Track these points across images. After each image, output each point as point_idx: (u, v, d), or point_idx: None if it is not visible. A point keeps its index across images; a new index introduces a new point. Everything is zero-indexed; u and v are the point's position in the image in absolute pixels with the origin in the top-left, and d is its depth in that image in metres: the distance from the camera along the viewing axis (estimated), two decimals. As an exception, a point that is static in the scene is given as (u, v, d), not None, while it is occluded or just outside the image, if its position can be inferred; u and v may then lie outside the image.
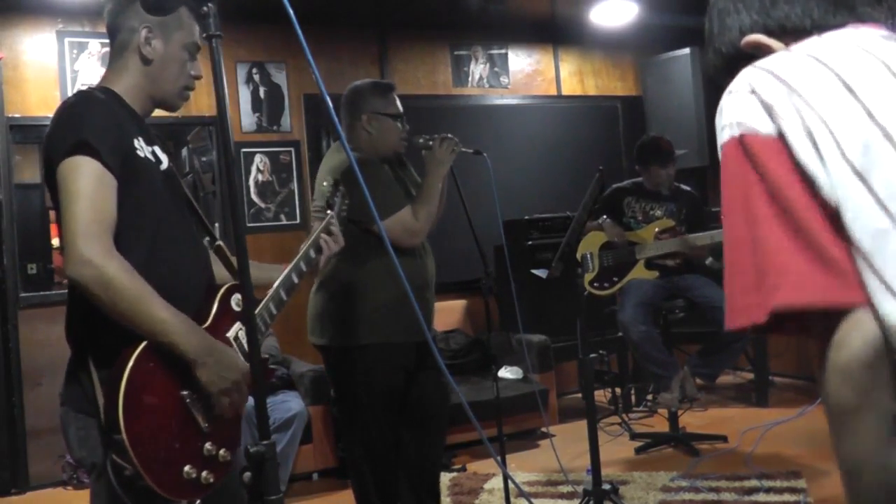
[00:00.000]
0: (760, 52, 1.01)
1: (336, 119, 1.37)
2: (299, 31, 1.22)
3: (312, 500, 3.92)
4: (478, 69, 5.73)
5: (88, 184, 1.55)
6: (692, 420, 4.46)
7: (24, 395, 4.32)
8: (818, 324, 0.80)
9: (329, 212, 2.14)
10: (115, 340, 1.55)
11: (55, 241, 6.38)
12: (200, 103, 4.77)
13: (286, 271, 1.92)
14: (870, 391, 0.77)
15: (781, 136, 0.83)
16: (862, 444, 0.78)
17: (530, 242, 5.00)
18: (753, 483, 3.45)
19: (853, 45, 0.88)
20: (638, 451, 4.15)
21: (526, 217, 5.09)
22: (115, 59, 1.78)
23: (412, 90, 5.38)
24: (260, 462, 1.25)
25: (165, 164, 1.77)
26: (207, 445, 1.61)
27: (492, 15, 5.29)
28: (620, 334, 4.47)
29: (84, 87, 1.74)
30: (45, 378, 4.28)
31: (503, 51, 5.82)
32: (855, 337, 0.77)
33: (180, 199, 1.81)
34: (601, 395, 5.05)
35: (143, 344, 1.54)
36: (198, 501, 1.61)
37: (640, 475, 3.73)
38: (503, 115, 5.72)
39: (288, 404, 3.94)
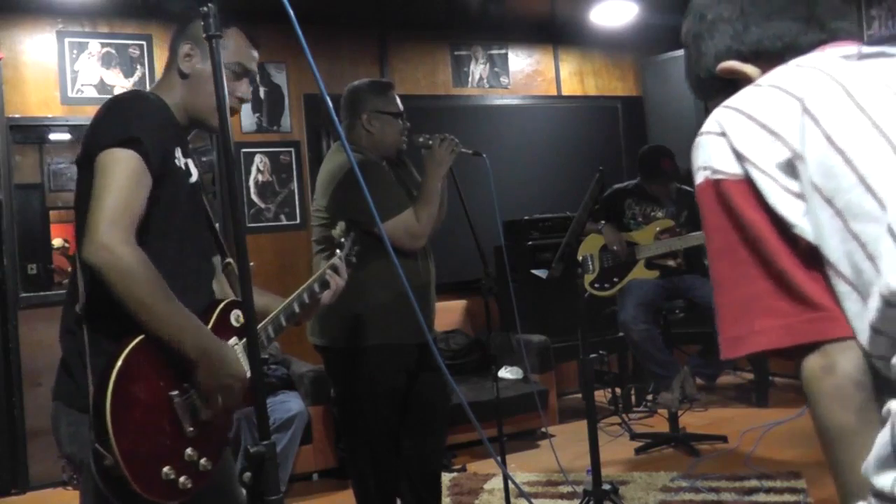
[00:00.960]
0: (737, 77, 1.02)
1: (336, 119, 1.37)
2: (299, 32, 1.22)
3: (312, 501, 3.92)
4: (478, 69, 5.73)
5: (125, 176, 1.57)
6: (692, 420, 4.46)
7: (24, 395, 4.32)
8: (801, 353, 0.83)
9: (338, 251, 2.14)
10: (114, 333, 1.56)
11: (55, 242, 6.38)
12: (200, 103, 4.77)
13: (288, 300, 1.92)
14: (865, 410, 0.79)
15: (749, 179, 0.85)
16: (862, 462, 0.78)
17: (530, 243, 5.00)
18: (753, 483, 3.45)
19: (815, 70, 0.89)
20: (638, 451, 4.14)
21: (526, 217, 5.09)
22: (165, 73, 1.85)
23: (412, 90, 5.37)
24: (260, 462, 1.25)
25: (195, 178, 1.80)
26: (189, 451, 1.60)
27: (492, 15, 5.29)
28: (620, 334, 4.47)
29: (136, 89, 1.78)
30: (45, 378, 4.27)
31: (503, 51, 5.81)
32: (844, 361, 0.80)
33: (200, 214, 1.84)
34: (601, 396, 5.05)
35: (141, 337, 1.54)
36: None
37: (640, 475, 3.73)
38: (503, 115, 5.72)
39: (288, 404, 3.94)
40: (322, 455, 4.11)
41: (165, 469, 1.54)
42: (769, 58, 1.00)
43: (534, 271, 3.48)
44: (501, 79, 5.80)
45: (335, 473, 4.11)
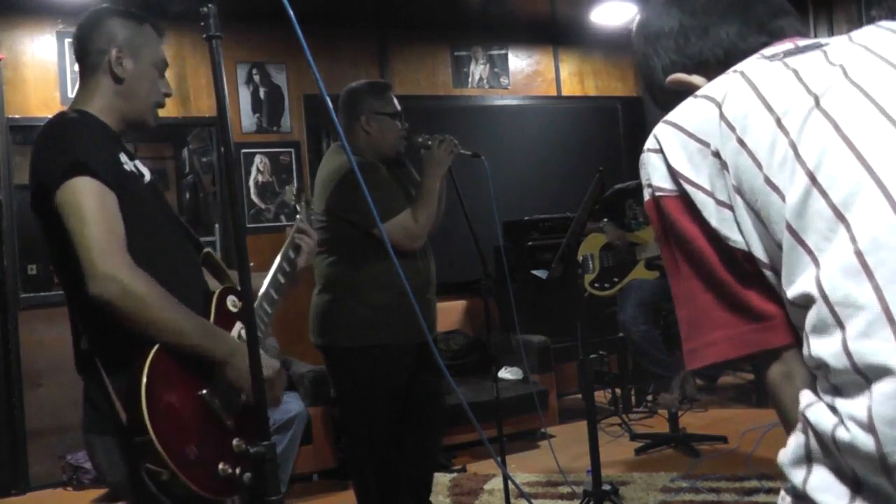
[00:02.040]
0: (685, 88, 1.02)
1: (336, 120, 1.37)
2: (299, 32, 1.21)
3: (312, 501, 3.92)
4: (478, 70, 5.73)
5: (94, 203, 1.55)
6: (692, 421, 4.46)
7: (24, 395, 4.32)
8: (760, 360, 0.84)
9: (297, 216, 2.18)
10: (125, 349, 1.55)
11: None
12: (200, 104, 4.78)
13: (271, 274, 1.95)
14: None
15: (684, 194, 0.85)
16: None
17: (530, 243, 5.00)
18: (753, 484, 3.44)
19: (735, 73, 0.89)
20: (638, 451, 4.14)
21: (526, 218, 5.08)
22: (85, 81, 1.78)
23: (412, 91, 5.37)
24: (260, 463, 1.25)
25: (148, 177, 1.79)
26: (235, 441, 1.61)
27: (492, 15, 5.29)
28: (621, 335, 4.47)
29: (58, 113, 1.75)
30: (45, 379, 4.27)
31: (503, 51, 5.81)
32: (800, 367, 0.81)
33: (167, 211, 1.83)
34: (601, 396, 5.05)
35: (156, 347, 1.54)
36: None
37: (640, 476, 3.73)
38: (503, 115, 5.72)
39: (288, 405, 3.93)
40: (322, 455, 4.11)
41: (221, 466, 1.55)
42: (712, 67, 1.00)
43: (534, 272, 3.48)
44: (501, 79, 5.80)
45: (335, 474, 4.11)
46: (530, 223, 5.08)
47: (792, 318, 0.79)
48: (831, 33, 5.38)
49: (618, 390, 4.97)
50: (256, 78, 5.01)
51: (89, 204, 1.54)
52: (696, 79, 1.03)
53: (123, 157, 1.70)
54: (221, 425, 1.62)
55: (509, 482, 2.92)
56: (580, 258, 3.41)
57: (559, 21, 5.73)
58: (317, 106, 5.10)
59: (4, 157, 4.37)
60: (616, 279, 4.29)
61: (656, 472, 3.75)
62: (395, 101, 2.79)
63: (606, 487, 3.00)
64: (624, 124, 6.11)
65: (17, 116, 4.41)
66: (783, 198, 0.77)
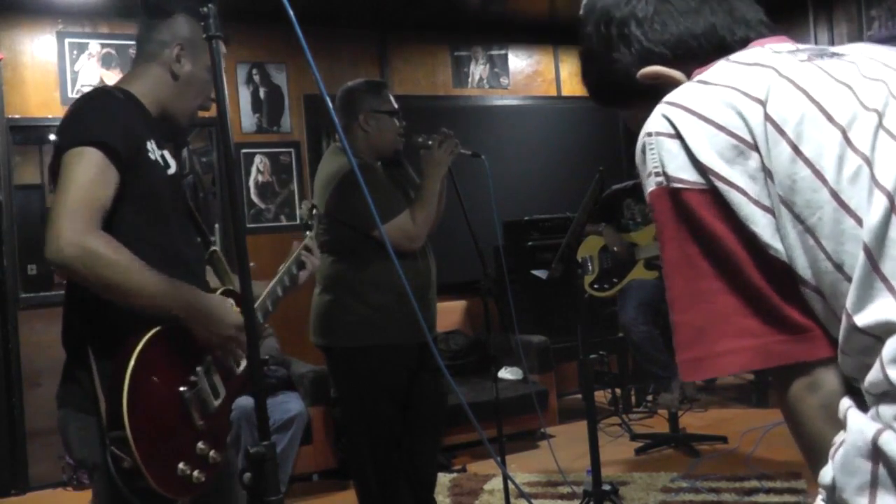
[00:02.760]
0: (660, 82, 0.94)
1: (337, 121, 1.37)
2: (299, 32, 1.21)
3: (312, 501, 3.92)
4: (478, 70, 5.73)
5: (86, 172, 1.56)
6: (692, 421, 4.46)
7: (24, 395, 4.32)
8: (778, 373, 0.79)
9: (308, 233, 2.18)
10: (115, 335, 1.56)
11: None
12: (200, 104, 4.77)
13: (270, 286, 1.96)
14: (838, 423, 0.76)
15: (713, 189, 0.77)
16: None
17: (530, 243, 5.00)
18: (754, 484, 3.44)
19: (771, 70, 0.81)
20: (638, 451, 4.14)
21: (526, 218, 5.08)
22: (139, 65, 1.81)
23: (412, 91, 5.38)
24: (260, 463, 1.25)
25: (173, 169, 1.79)
26: (200, 444, 1.62)
27: (492, 15, 5.29)
28: (620, 335, 4.47)
29: (102, 86, 1.76)
30: (45, 379, 4.27)
31: (503, 51, 5.81)
32: (828, 377, 0.76)
33: (182, 205, 1.84)
34: (601, 396, 5.05)
35: (146, 338, 1.54)
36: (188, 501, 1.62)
37: (640, 476, 3.73)
38: (503, 115, 5.72)
39: (288, 405, 3.93)
40: (322, 455, 4.11)
41: (181, 465, 1.56)
42: (696, 58, 0.91)
43: (534, 272, 3.48)
44: (501, 79, 5.80)
45: (335, 474, 4.11)
46: (530, 223, 5.08)
47: (849, 342, 0.73)
48: (831, 33, 5.38)
49: (618, 390, 4.97)
50: (256, 78, 5.01)
51: (80, 171, 1.55)
52: (676, 73, 0.93)
53: (151, 146, 1.71)
54: (192, 426, 1.62)
55: (509, 482, 2.91)
56: (579, 259, 3.41)
57: (559, 21, 5.73)
58: (317, 106, 5.10)
59: (4, 157, 4.37)
60: (615, 280, 4.29)
61: (656, 472, 3.75)
62: (392, 99, 2.78)
63: (606, 487, 3.00)
64: (624, 124, 6.10)
65: (16, 116, 4.41)
66: (857, 218, 0.72)
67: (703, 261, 0.78)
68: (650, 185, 0.82)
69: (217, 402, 1.69)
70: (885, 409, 0.70)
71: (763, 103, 0.77)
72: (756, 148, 0.77)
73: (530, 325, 4.61)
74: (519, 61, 5.88)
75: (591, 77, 1.03)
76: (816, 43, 5.42)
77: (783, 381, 0.78)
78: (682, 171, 0.79)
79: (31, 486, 4.30)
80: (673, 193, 0.79)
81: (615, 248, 4.25)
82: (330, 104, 1.35)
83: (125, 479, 1.51)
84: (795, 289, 0.76)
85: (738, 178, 0.77)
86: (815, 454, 0.78)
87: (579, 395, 5.01)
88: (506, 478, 2.94)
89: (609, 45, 0.97)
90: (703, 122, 0.78)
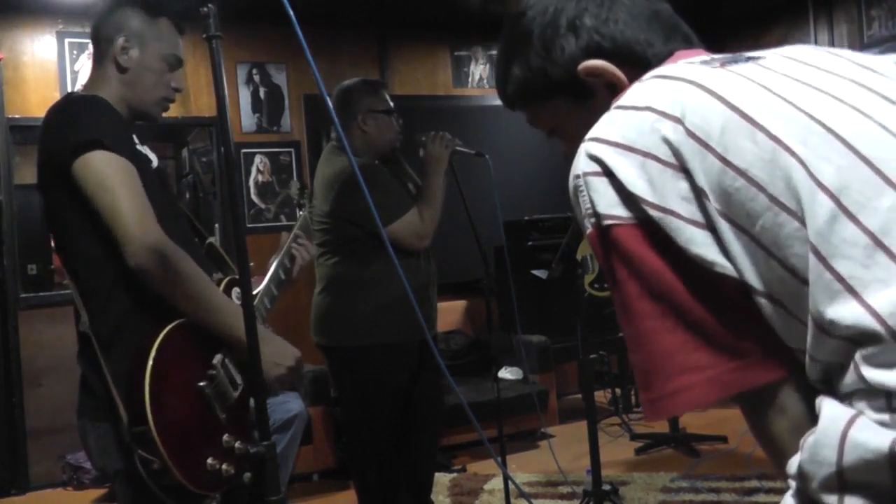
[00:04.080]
0: (596, 80, 0.92)
1: (337, 121, 1.37)
2: (299, 32, 1.21)
3: (312, 501, 3.92)
4: (478, 70, 5.73)
5: (118, 175, 1.55)
6: (692, 420, 4.46)
7: (24, 395, 4.32)
8: (741, 399, 0.77)
9: (300, 212, 2.16)
10: (127, 337, 1.56)
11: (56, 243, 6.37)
12: (200, 104, 4.78)
13: (263, 286, 1.95)
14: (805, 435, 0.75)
15: (645, 219, 0.75)
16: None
17: (530, 243, 5.00)
18: (753, 484, 3.45)
19: (683, 82, 0.79)
20: (638, 451, 4.14)
21: (526, 218, 5.08)
22: (95, 67, 1.79)
23: (412, 91, 5.38)
24: (260, 463, 1.25)
25: (155, 162, 1.80)
26: (225, 437, 1.62)
27: (492, 15, 5.28)
28: (620, 335, 4.47)
29: (67, 94, 1.75)
30: (45, 378, 4.28)
31: (503, 51, 5.81)
32: (791, 400, 0.75)
33: (171, 198, 1.84)
34: (601, 396, 5.05)
35: (162, 336, 1.55)
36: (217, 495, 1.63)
37: (640, 476, 3.73)
38: (503, 115, 5.70)
39: (288, 405, 3.92)
40: (322, 455, 4.11)
41: (209, 460, 1.56)
42: (635, 63, 0.90)
43: (534, 271, 3.48)
44: (501, 79, 5.79)
45: (335, 474, 4.11)
46: (530, 223, 5.08)
47: (817, 347, 0.71)
48: (831, 33, 5.38)
49: (618, 390, 4.97)
50: (256, 78, 5.01)
51: (114, 176, 1.55)
52: (619, 73, 0.90)
53: (135, 139, 1.72)
54: (215, 419, 1.62)
55: (509, 482, 2.92)
56: (579, 258, 3.40)
57: (559, 21, 5.73)
58: (317, 106, 5.11)
59: (4, 157, 4.37)
60: (616, 279, 4.28)
61: (656, 472, 3.75)
62: (388, 97, 2.79)
63: (606, 487, 3.00)
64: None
65: (17, 116, 4.41)
66: (800, 220, 0.70)
67: (643, 301, 0.76)
68: (587, 228, 0.80)
69: (236, 393, 1.69)
70: (859, 404, 0.68)
71: (681, 120, 0.75)
72: (683, 168, 0.74)
73: (530, 325, 4.60)
74: (519, 61, 5.87)
75: (521, 65, 0.99)
76: (817, 43, 5.42)
77: (748, 409, 0.77)
78: (612, 208, 0.76)
79: (31, 485, 4.30)
80: (605, 232, 0.77)
81: None
82: (330, 104, 1.35)
83: (157, 481, 1.51)
84: (744, 309, 0.74)
85: (672, 203, 0.74)
86: (779, 459, 0.78)
87: (579, 395, 5.01)
88: (506, 478, 2.94)
89: (555, 34, 0.94)
90: (628, 153, 0.76)
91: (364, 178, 1.41)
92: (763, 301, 0.74)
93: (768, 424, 0.76)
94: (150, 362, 1.50)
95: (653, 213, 0.74)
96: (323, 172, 2.70)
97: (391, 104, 2.77)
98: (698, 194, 0.74)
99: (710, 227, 0.73)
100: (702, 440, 4.14)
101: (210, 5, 1.29)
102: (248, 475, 1.26)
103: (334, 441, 4.11)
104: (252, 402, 1.73)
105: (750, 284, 0.73)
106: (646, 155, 0.75)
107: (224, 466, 1.58)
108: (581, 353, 3.04)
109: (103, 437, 1.62)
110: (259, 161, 4.99)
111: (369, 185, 1.44)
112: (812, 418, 0.73)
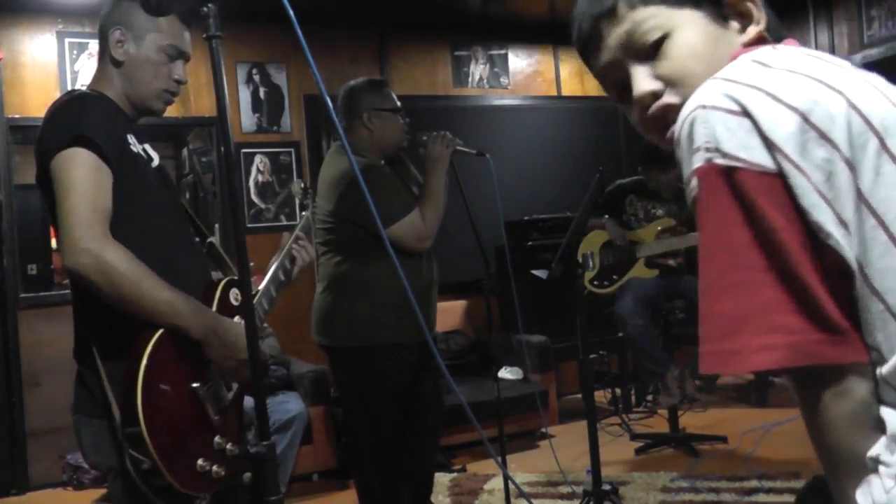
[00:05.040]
0: (736, 9, 0.91)
1: (337, 121, 1.37)
2: (299, 32, 1.21)
3: (312, 501, 3.91)
4: (478, 69, 5.73)
5: (83, 174, 1.55)
6: (692, 421, 4.46)
7: (24, 395, 4.32)
8: (803, 374, 0.75)
9: (302, 212, 2.16)
10: (122, 335, 1.56)
11: (55, 242, 6.38)
12: (200, 104, 4.77)
13: (263, 286, 1.94)
14: (873, 435, 0.73)
15: (777, 173, 0.73)
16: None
17: (530, 243, 5.00)
18: (753, 484, 3.44)
19: (828, 62, 0.80)
20: (638, 451, 4.14)
21: (526, 218, 5.09)
22: (98, 67, 1.80)
23: (412, 90, 5.37)
24: (260, 463, 1.25)
25: (157, 161, 1.78)
26: (217, 439, 1.62)
27: (492, 15, 5.29)
28: (620, 335, 4.47)
29: (70, 90, 1.75)
30: (45, 378, 4.27)
31: (503, 51, 5.81)
32: (859, 385, 0.73)
33: (172, 197, 1.83)
34: (601, 396, 5.05)
35: (157, 335, 1.54)
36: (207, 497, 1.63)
37: (640, 476, 3.73)
38: (503, 115, 5.72)
39: (287, 405, 3.93)
40: (322, 455, 4.11)
41: (200, 461, 1.56)
42: (765, 27, 0.92)
43: (534, 271, 3.48)
44: (501, 79, 5.80)
45: (335, 474, 4.11)
46: (530, 223, 5.08)
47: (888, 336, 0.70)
48: (831, 33, 5.38)
49: (618, 390, 4.97)
50: (256, 78, 5.00)
51: (78, 175, 1.54)
52: (763, 16, 0.93)
53: (132, 139, 1.70)
54: (207, 420, 1.62)
55: (509, 482, 2.91)
56: (580, 256, 3.41)
57: (559, 21, 5.73)
58: (317, 105, 5.10)
59: (4, 157, 4.37)
60: (615, 277, 4.29)
61: (656, 472, 3.75)
62: (394, 96, 2.78)
63: (606, 487, 3.00)
64: (624, 124, 6.10)
65: (16, 116, 4.41)
66: None
67: (752, 250, 0.73)
68: (697, 161, 0.76)
69: (230, 395, 1.69)
70: None
71: (843, 94, 0.74)
72: (829, 139, 0.73)
73: (530, 325, 4.60)
74: (519, 61, 5.88)
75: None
76: (817, 43, 5.42)
77: (810, 387, 0.75)
78: (743, 151, 0.73)
79: (31, 485, 4.30)
80: (728, 172, 0.73)
81: (618, 241, 4.25)
82: (330, 104, 1.34)
83: (146, 480, 1.51)
84: (843, 287, 0.73)
85: (806, 165, 0.72)
86: (841, 464, 0.75)
87: (579, 395, 5.01)
88: (506, 478, 2.94)
89: None
90: (777, 104, 0.74)
91: (366, 179, 1.40)
92: (864, 290, 0.73)
93: (828, 406, 0.74)
94: (144, 362, 1.50)
95: (787, 166, 0.72)
96: (328, 172, 2.70)
97: (398, 103, 2.77)
98: (840, 167, 0.73)
99: (833, 202, 0.73)
100: (702, 440, 4.14)
101: (210, 5, 1.29)
102: (247, 475, 1.25)
103: (334, 441, 4.11)
104: (246, 403, 1.74)
105: (864, 271, 0.72)
106: (795, 111, 0.73)
107: (214, 468, 1.59)
108: (581, 353, 3.04)
109: (98, 433, 1.62)
110: (259, 161, 4.99)
111: (371, 186, 1.44)
112: (873, 412, 0.72)
